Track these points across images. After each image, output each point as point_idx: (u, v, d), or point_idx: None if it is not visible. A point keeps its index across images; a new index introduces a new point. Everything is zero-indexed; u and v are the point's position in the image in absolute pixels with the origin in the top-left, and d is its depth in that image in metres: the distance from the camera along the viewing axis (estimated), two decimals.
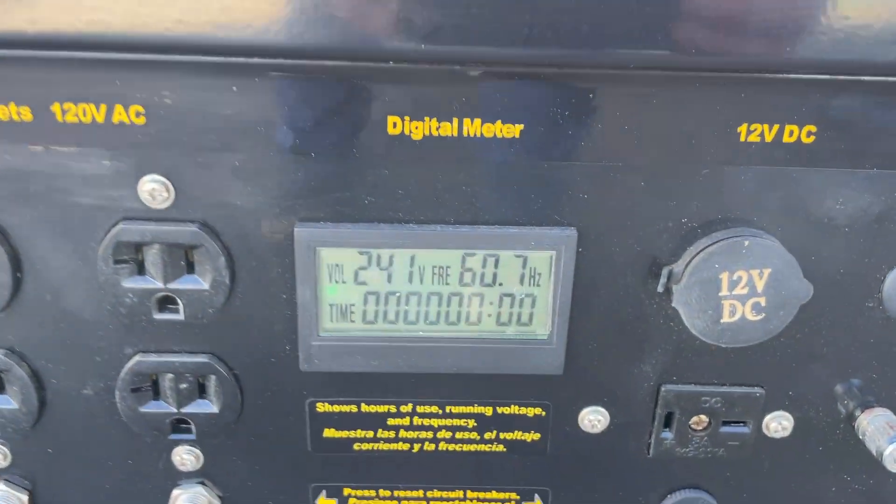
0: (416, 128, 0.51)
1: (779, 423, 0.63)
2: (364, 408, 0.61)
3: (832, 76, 0.48)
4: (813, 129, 0.52)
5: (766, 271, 0.54)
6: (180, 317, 0.56)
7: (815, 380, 0.61)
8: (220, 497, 0.64)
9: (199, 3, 0.45)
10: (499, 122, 0.51)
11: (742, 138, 0.52)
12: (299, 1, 0.44)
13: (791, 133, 0.52)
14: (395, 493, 0.65)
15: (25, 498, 0.62)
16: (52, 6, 0.45)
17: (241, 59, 0.47)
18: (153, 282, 0.55)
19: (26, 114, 0.50)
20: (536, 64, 0.48)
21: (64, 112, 0.50)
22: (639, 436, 0.63)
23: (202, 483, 0.63)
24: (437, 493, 0.66)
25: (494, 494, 0.66)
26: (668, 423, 0.62)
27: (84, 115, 0.50)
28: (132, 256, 0.54)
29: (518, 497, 0.66)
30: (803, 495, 0.67)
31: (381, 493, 0.65)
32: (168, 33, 0.45)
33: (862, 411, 0.60)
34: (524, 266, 0.55)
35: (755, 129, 0.52)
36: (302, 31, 0.45)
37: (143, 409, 0.59)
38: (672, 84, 0.49)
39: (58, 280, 0.55)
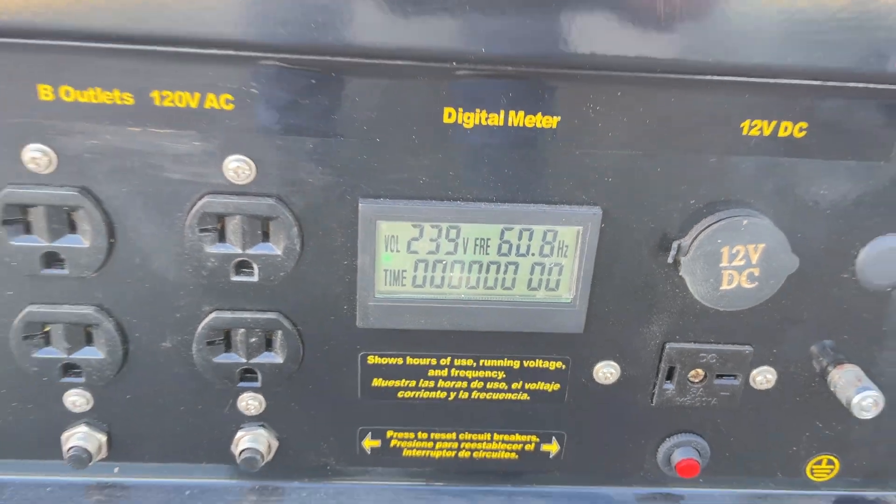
0: (468, 118, 0.56)
1: (764, 377, 0.68)
2: (409, 360, 0.66)
3: (821, 82, 0.54)
4: (804, 125, 0.57)
5: (760, 246, 0.59)
6: (254, 279, 0.60)
7: (795, 340, 0.66)
8: (278, 439, 0.68)
9: (292, 14, 0.49)
10: (539, 114, 0.56)
11: (744, 132, 0.57)
12: (378, 12, 0.49)
13: (786, 128, 0.57)
14: (432, 435, 0.70)
15: (104, 439, 0.67)
16: (156, 10, 0.49)
17: (321, 58, 0.52)
18: (233, 248, 0.59)
19: (128, 99, 0.54)
20: (572, 66, 0.53)
21: (162, 98, 0.54)
22: (644, 387, 0.68)
23: (263, 426, 0.68)
24: (467, 436, 0.70)
25: (518, 437, 0.71)
26: (670, 375, 0.67)
27: (179, 101, 0.54)
28: (215, 226, 0.58)
29: (538, 439, 0.71)
30: (783, 439, 0.72)
31: (420, 435, 0.70)
32: (261, 38, 0.50)
33: (834, 367, 0.66)
34: (554, 239, 0.60)
35: (756, 125, 0.57)
36: (379, 34, 0.50)
37: (216, 360, 0.63)
38: (686, 86, 0.54)
39: (147, 245, 0.59)
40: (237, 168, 0.57)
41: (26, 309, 0.61)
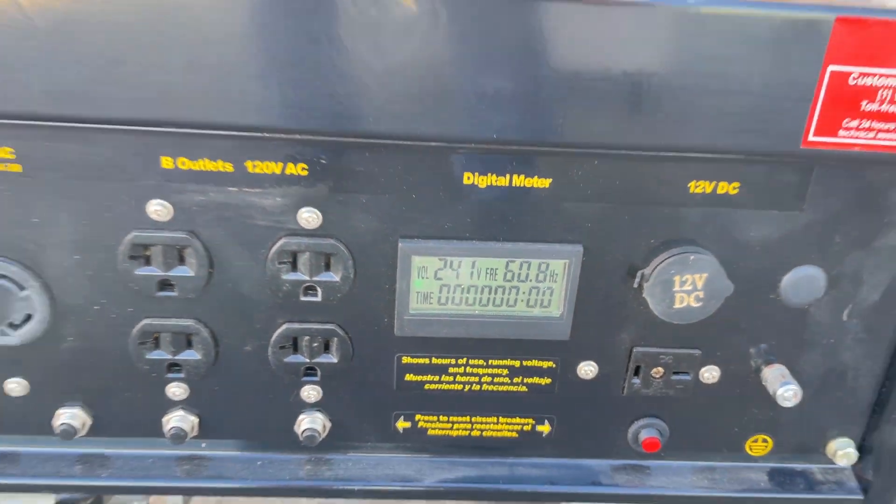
0: (482, 180, 0.65)
1: (710, 374, 0.75)
2: (434, 360, 0.74)
3: (747, 156, 0.63)
4: (738, 184, 0.66)
5: (704, 275, 0.67)
6: (318, 299, 0.69)
7: (734, 345, 0.74)
8: (331, 421, 0.77)
9: (355, 113, 0.60)
10: (536, 176, 0.65)
11: (691, 191, 0.66)
12: (418, 112, 0.59)
13: (723, 187, 0.66)
14: (451, 418, 0.78)
15: (196, 421, 0.80)
16: (254, 109, 0.61)
17: (375, 140, 0.62)
18: (302, 276, 0.68)
19: (228, 167, 0.64)
20: (561, 146, 0.63)
21: (254, 166, 0.64)
22: (617, 381, 0.76)
23: (320, 411, 0.77)
24: (478, 419, 0.78)
25: (518, 420, 0.79)
26: (637, 372, 0.74)
27: (267, 168, 0.64)
28: (289, 260, 0.67)
29: (534, 422, 0.79)
30: (725, 422, 0.80)
31: (441, 418, 0.78)
32: (331, 128, 0.61)
33: (765, 366, 0.74)
34: (547, 269, 0.68)
35: (700, 185, 0.66)
36: (418, 126, 0.59)
37: (285, 360, 0.72)
38: (646, 159, 0.64)
39: (237, 274, 0.69)
40: (308, 217, 0.67)
41: (142, 322, 0.73)
